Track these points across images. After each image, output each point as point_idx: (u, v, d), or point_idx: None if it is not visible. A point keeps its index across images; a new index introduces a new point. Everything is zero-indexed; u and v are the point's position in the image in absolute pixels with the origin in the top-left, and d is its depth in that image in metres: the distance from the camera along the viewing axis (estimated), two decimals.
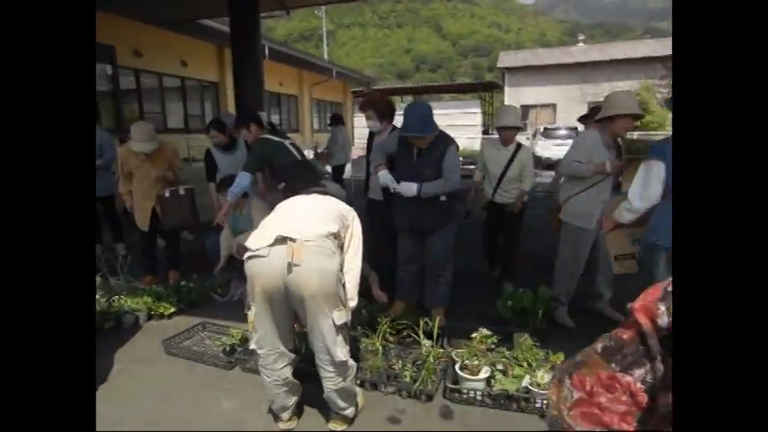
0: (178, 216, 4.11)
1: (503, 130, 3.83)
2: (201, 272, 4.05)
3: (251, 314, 2.06)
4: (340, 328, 2.04)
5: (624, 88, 20.26)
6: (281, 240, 1.91)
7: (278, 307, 2.00)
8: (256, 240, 1.97)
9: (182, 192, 4.12)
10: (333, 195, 2.48)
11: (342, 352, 2.06)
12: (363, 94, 22.87)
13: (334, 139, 8.50)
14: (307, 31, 56.57)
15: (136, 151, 3.89)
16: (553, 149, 14.85)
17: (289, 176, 3.87)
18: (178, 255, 4.39)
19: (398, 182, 3.17)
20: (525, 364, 2.39)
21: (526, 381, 2.27)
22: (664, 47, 20.19)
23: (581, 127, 5.37)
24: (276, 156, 3.76)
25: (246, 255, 1.97)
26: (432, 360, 2.51)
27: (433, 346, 2.68)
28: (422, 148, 3.11)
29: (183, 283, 3.81)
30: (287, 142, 3.89)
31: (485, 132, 24.19)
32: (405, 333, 2.92)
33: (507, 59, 24.72)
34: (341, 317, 2.03)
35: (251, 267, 1.96)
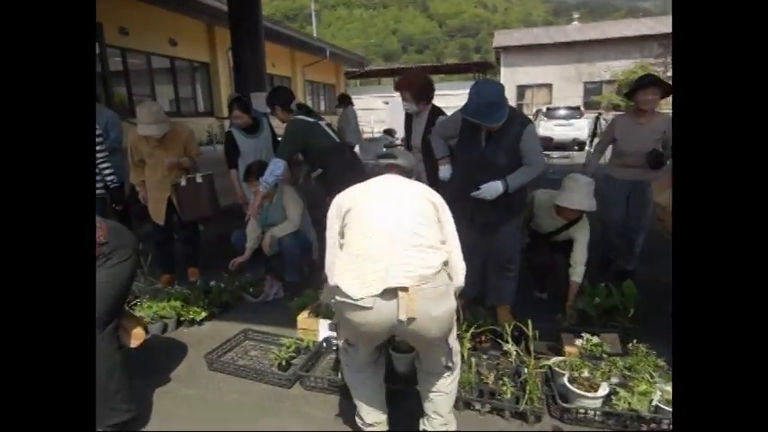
0: (197, 206, 3.65)
1: None
2: (220, 268, 3.65)
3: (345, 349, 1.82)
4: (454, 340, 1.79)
5: (620, 67, 20.10)
6: (391, 291, 1.51)
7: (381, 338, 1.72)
8: (354, 285, 1.54)
9: (199, 179, 3.65)
10: (407, 168, 2.13)
11: (456, 356, 1.82)
12: (357, 75, 22.34)
13: (347, 120, 8.03)
14: (291, 11, 54.77)
15: (145, 136, 3.41)
16: (556, 130, 14.71)
17: (328, 161, 3.47)
18: (197, 249, 3.94)
19: (463, 173, 2.77)
20: (647, 376, 2.05)
21: (657, 397, 1.93)
22: (660, 25, 19.92)
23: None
24: (311, 138, 3.32)
25: (343, 299, 1.57)
26: (532, 372, 2.15)
27: (520, 353, 2.33)
28: (492, 132, 2.69)
29: (212, 283, 3.38)
30: (323, 123, 3.46)
31: None
32: (481, 337, 2.57)
33: (502, 39, 24.19)
34: (454, 333, 1.74)
35: (353, 317, 1.57)
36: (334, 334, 2.65)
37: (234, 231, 3.78)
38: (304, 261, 3.78)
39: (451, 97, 22.82)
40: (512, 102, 24.83)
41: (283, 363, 2.46)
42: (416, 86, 3.28)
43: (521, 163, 2.68)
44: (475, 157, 2.73)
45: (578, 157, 11.49)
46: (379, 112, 20.22)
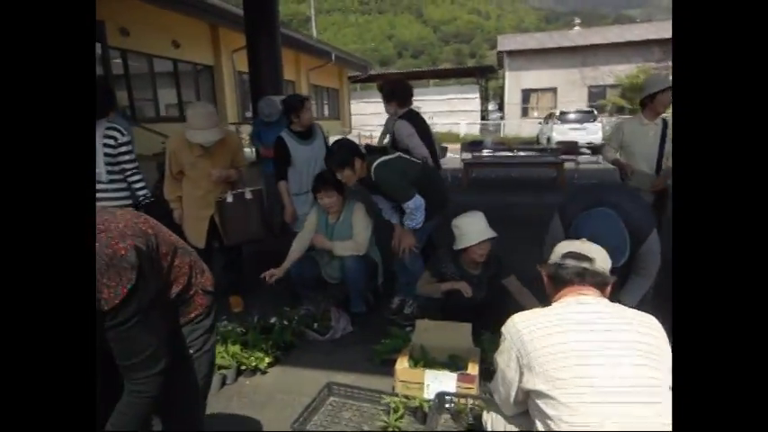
0: (245, 228, 3.07)
1: None
2: (263, 296, 3.13)
3: None
4: None
5: (623, 72, 20.08)
6: None
7: None
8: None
9: (249, 195, 3.08)
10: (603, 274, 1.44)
11: None
12: (361, 80, 21.83)
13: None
14: (286, 16, 54.26)
15: (196, 143, 2.83)
16: (570, 134, 14.38)
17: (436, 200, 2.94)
18: (241, 276, 3.37)
19: None
20: None
21: None
22: (660, 30, 19.75)
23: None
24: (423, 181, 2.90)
25: None
26: None
27: None
28: None
29: (273, 319, 2.79)
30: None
31: (482, 118, 23.53)
32: None
33: (507, 42, 23.90)
34: None
35: None
36: (448, 387, 2.10)
37: (294, 267, 3.19)
38: (369, 286, 3.22)
39: (458, 101, 22.61)
40: (516, 106, 24.48)
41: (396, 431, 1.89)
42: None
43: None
44: None
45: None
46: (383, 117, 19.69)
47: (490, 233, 2.61)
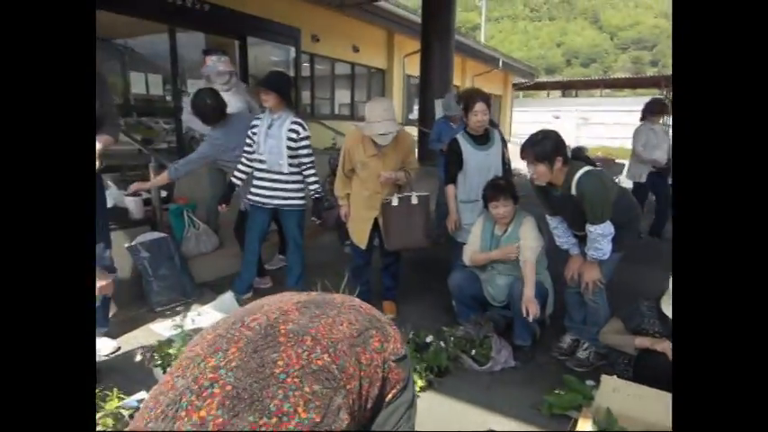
0: (407, 233, 2.92)
1: None
2: (420, 305, 2.97)
3: None
4: None
5: None
6: None
7: None
8: None
9: (414, 200, 2.93)
10: None
11: None
12: (526, 87, 20.89)
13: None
14: (456, 23, 54.85)
15: (371, 139, 2.79)
16: None
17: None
18: (398, 282, 3.26)
19: None
20: None
21: None
22: None
23: None
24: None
25: None
26: None
27: None
28: None
29: (429, 338, 2.60)
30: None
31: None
32: None
33: None
34: None
35: None
36: None
37: (453, 273, 2.99)
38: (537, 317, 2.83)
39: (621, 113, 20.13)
40: None
41: None
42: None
43: None
44: None
45: None
46: (547, 126, 18.49)
47: None
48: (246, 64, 7.94)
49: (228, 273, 3.61)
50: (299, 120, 2.98)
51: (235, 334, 0.89)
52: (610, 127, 17.94)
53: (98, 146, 2.21)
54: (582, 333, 2.67)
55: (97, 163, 2.22)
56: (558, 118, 17.52)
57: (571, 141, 16.26)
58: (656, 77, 21.64)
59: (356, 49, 11.25)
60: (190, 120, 3.68)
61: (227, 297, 3.08)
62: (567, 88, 21.85)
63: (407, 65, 12.76)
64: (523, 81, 19.62)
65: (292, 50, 9.09)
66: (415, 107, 13.50)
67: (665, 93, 21.03)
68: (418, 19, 10.82)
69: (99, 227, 2.28)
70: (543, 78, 23.99)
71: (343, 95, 11.75)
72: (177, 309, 3.10)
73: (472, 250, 2.85)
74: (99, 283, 1.63)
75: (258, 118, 3.06)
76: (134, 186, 3.31)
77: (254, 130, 3.01)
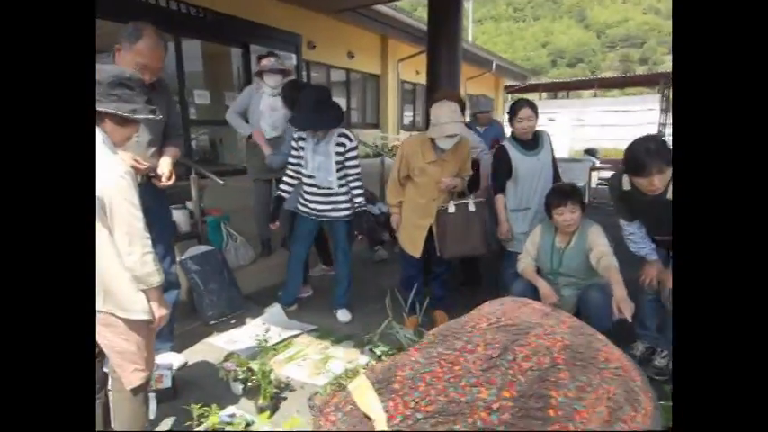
0: (465, 241, 2.86)
1: None
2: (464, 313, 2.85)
3: None
4: None
5: None
6: None
7: None
8: None
9: (472, 207, 2.88)
10: None
11: None
12: (518, 90, 20.98)
13: None
14: None
15: (443, 142, 2.75)
16: None
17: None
18: (449, 291, 3.23)
19: None
20: None
21: None
22: None
23: None
24: None
25: None
26: None
27: None
28: None
29: None
30: None
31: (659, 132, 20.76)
32: None
33: None
34: None
35: None
36: None
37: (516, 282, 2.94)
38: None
39: (636, 114, 20.28)
40: None
41: None
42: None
43: None
44: None
45: None
46: (542, 128, 18.61)
47: None
48: (249, 72, 7.88)
49: (267, 285, 3.60)
50: (346, 131, 2.93)
51: (509, 371, 0.93)
52: (603, 128, 18.10)
53: (167, 158, 2.16)
54: (658, 341, 2.62)
55: (167, 181, 2.15)
56: (552, 120, 17.62)
57: (568, 144, 16.32)
58: (653, 75, 21.65)
59: (351, 56, 11.22)
60: (233, 119, 3.57)
61: (276, 310, 3.03)
62: (561, 89, 22.01)
63: (402, 70, 12.76)
64: (515, 84, 19.77)
65: (293, 58, 9.04)
66: (406, 113, 13.59)
67: (664, 92, 21.26)
68: (414, 22, 10.88)
69: (164, 241, 2.22)
70: (533, 81, 24.17)
71: (339, 103, 11.69)
72: (231, 322, 3.04)
73: (526, 262, 2.72)
74: (159, 313, 1.57)
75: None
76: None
77: (302, 144, 2.94)
